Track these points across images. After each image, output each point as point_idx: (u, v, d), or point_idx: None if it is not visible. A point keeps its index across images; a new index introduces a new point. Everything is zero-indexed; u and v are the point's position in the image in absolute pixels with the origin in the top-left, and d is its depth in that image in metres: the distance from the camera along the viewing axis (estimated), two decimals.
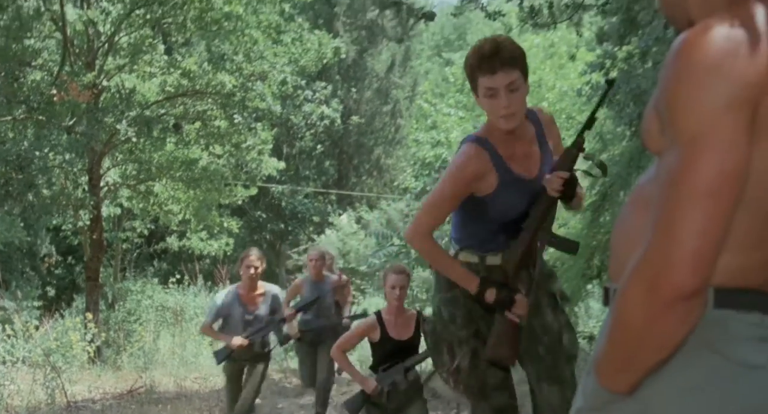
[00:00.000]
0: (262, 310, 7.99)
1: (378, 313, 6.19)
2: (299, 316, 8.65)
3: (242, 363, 8.13)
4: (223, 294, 8.05)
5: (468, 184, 3.85)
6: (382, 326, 6.10)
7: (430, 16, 8.06)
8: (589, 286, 11.64)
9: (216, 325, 8.02)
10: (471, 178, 3.84)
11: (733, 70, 1.56)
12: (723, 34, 1.58)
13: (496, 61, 3.68)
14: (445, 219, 4.04)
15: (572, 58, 19.26)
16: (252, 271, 7.79)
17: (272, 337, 8.55)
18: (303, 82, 20.36)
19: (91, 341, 13.80)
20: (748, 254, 1.65)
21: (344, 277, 9.44)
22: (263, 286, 8.09)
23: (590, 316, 12.91)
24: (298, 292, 8.98)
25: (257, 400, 8.74)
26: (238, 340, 7.76)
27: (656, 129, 1.72)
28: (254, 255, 7.88)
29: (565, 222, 17.27)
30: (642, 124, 1.80)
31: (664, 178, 1.60)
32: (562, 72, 23.61)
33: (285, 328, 8.48)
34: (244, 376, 8.21)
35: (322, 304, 8.74)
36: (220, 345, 8.20)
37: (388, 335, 6.09)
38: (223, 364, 8.10)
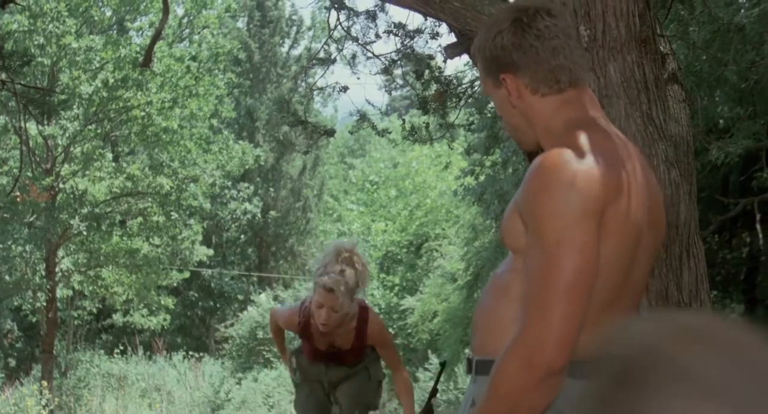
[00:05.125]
0: None
1: None
2: None
3: None
4: None
5: None
6: None
7: (330, 133, 8.02)
8: (467, 351, 11.72)
9: None
10: None
11: (584, 186, 1.63)
12: (575, 157, 1.66)
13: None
14: None
15: (446, 167, 19.79)
16: None
17: None
18: (229, 184, 20.45)
19: (46, 405, 13.37)
20: (588, 333, 1.67)
21: None
22: None
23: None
24: None
25: None
26: None
27: (519, 230, 1.74)
28: None
29: (447, 297, 17.51)
30: (501, 226, 1.85)
31: (533, 275, 1.63)
32: (442, 175, 24.12)
33: None
34: None
35: None
36: None
37: None
38: None
